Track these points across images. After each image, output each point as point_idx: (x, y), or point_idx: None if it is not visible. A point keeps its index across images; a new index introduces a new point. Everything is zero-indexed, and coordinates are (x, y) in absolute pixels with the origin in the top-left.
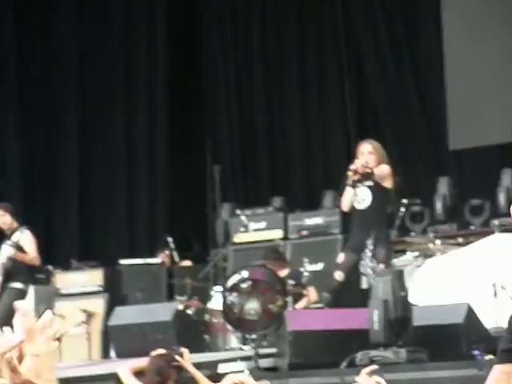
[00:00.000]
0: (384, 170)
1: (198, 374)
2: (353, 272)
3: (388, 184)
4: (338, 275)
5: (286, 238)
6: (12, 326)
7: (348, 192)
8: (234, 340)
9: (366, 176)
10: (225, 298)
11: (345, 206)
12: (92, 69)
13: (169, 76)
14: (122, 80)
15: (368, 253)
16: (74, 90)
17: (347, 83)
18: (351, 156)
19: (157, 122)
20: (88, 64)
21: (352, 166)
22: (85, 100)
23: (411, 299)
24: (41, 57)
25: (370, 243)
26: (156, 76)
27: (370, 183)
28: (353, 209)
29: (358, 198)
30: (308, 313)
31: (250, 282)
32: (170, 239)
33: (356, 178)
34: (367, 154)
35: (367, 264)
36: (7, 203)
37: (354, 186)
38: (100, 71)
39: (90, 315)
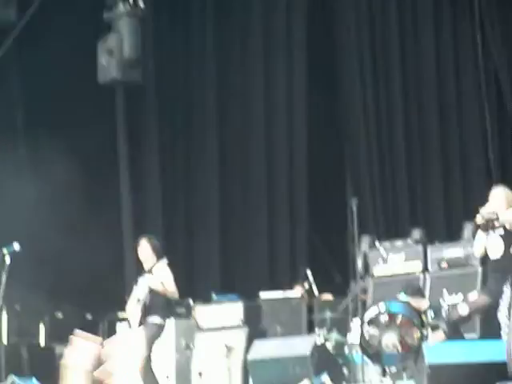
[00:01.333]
0: (510, 216)
1: None
2: (483, 313)
3: None
4: (463, 309)
5: (425, 270)
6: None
7: (479, 237)
8: (373, 373)
9: (495, 223)
10: (362, 330)
11: (477, 252)
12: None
13: (308, 103)
14: (260, 114)
15: (505, 298)
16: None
17: (487, 111)
18: (492, 185)
19: (297, 156)
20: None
21: (482, 211)
22: (225, 138)
23: None
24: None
25: (507, 288)
26: (296, 104)
27: (501, 231)
28: (486, 256)
29: (490, 247)
30: (446, 345)
31: (387, 315)
32: (308, 272)
33: (485, 223)
34: (494, 199)
35: (503, 310)
36: (152, 235)
37: (484, 229)
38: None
39: (230, 349)
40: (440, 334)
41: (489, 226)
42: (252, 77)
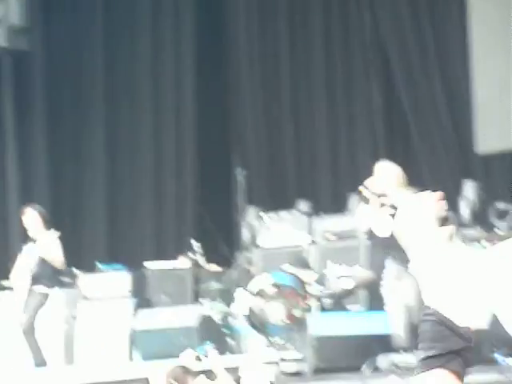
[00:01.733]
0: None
1: (225, 375)
2: (367, 287)
3: None
4: (347, 283)
5: (311, 241)
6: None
7: (362, 209)
8: (258, 344)
9: (379, 198)
10: (248, 301)
11: (360, 224)
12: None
13: (196, 76)
14: (149, 82)
15: (387, 273)
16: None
17: (375, 86)
18: (378, 158)
19: (184, 127)
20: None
21: (366, 183)
22: (113, 107)
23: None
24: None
25: (389, 263)
26: (183, 80)
27: (391, 211)
28: (371, 232)
29: (377, 224)
30: (331, 317)
31: (273, 286)
32: (195, 242)
33: (370, 197)
34: (380, 172)
35: (386, 285)
36: (38, 205)
37: (366, 202)
38: (126, 79)
39: (115, 319)
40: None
41: (368, 197)
42: (139, 38)
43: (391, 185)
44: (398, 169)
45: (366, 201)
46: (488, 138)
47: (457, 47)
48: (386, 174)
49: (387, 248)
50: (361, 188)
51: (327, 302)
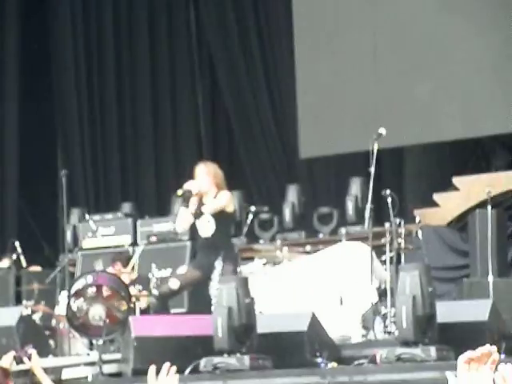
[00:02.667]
0: (219, 204)
1: (45, 377)
2: (192, 287)
3: (230, 208)
4: (174, 283)
5: (134, 243)
6: None
7: (180, 212)
8: (80, 346)
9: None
10: (69, 303)
11: (178, 227)
12: None
13: (19, 76)
14: None
15: (216, 273)
16: None
17: (200, 87)
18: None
19: (7, 122)
20: None
21: (184, 185)
22: None
23: (257, 307)
24: None
25: (218, 263)
26: (6, 76)
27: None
28: (195, 231)
29: (199, 226)
30: (153, 318)
31: (94, 288)
32: (17, 243)
33: (184, 198)
34: (197, 175)
35: (215, 285)
36: None
37: (184, 204)
38: None
39: None
40: (143, 302)
41: (187, 200)
42: None
43: (210, 185)
44: (216, 170)
45: (185, 203)
46: (312, 143)
47: (282, 51)
48: (205, 175)
49: (215, 248)
50: (179, 191)
51: (153, 303)
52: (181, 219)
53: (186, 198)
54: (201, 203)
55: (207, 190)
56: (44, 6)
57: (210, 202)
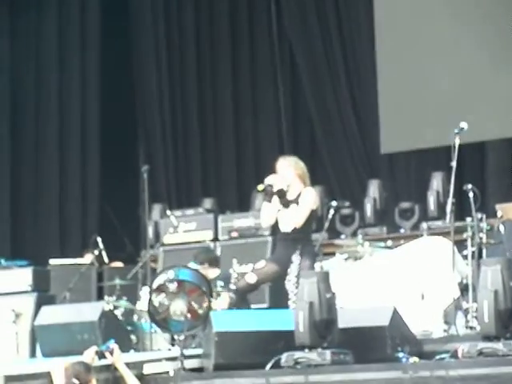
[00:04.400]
0: (306, 201)
1: (127, 371)
2: (271, 281)
3: (313, 205)
4: (251, 277)
5: (215, 239)
6: None
7: (264, 206)
8: (161, 341)
9: (287, 197)
10: (150, 298)
11: (263, 222)
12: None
13: (101, 75)
14: (55, 79)
15: (293, 268)
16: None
17: (281, 83)
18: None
19: (90, 121)
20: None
21: (267, 181)
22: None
23: (339, 301)
24: None
25: (296, 258)
26: (88, 75)
27: (295, 206)
28: (276, 226)
29: (281, 220)
30: (234, 313)
31: (176, 283)
32: (99, 239)
33: (266, 192)
34: (280, 169)
35: (292, 279)
36: None
37: (267, 199)
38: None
39: (18, 315)
40: (224, 301)
41: (269, 194)
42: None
43: (293, 180)
44: (300, 164)
45: (268, 198)
46: (393, 138)
47: (363, 46)
48: (287, 167)
49: (294, 242)
50: (260, 185)
51: (232, 297)
52: (265, 214)
53: (268, 192)
54: (285, 196)
55: (289, 182)
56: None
57: (299, 210)
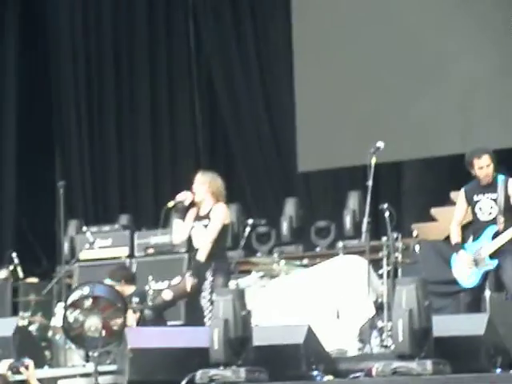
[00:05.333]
0: (216, 216)
1: None
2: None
3: (225, 221)
4: (167, 294)
5: (131, 255)
6: None
7: (175, 222)
8: (76, 357)
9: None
10: (65, 314)
11: (175, 238)
12: None
13: (16, 90)
14: None
15: (207, 285)
16: None
17: (198, 100)
18: None
19: (5, 134)
20: None
21: (178, 197)
22: None
23: (254, 319)
24: None
25: (209, 274)
26: (3, 91)
27: (206, 222)
28: (191, 242)
29: (195, 236)
30: (149, 330)
31: (91, 299)
32: (14, 254)
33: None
34: (195, 185)
35: (206, 296)
36: None
37: (178, 216)
38: None
39: None
40: (136, 316)
41: (180, 211)
42: None
43: (205, 196)
44: (216, 181)
45: (179, 214)
46: (309, 157)
47: (280, 65)
48: (200, 185)
49: (209, 260)
50: (171, 202)
51: (148, 314)
52: (176, 231)
53: (179, 209)
54: (198, 212)
55: (201, 199)
56: None
57: (210, 225)
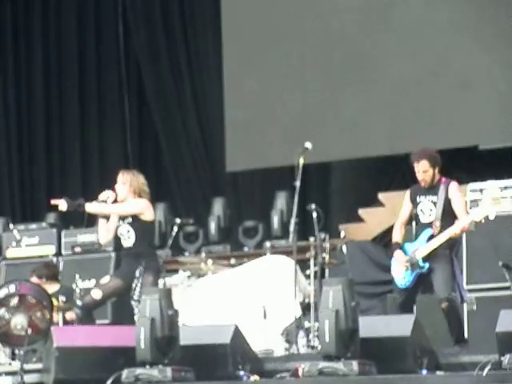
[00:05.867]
0: (136, 210)
1: None
2: (116, 296)
3: (148, 217)
4: (96, 293)
5: (58, 254)
6: None
7: (101, 224)
8: (1, 355)
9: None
10: None
11: (101, 239)
12: None
13: None
14: None
15: (137, 283)
16: None
17: (127, 99)
18: None
19: None
20: None
21: (101, 197)
22: None
23: (181, 319)
24: None
25: (138, 273)
26: None
27: (129, 219)
28: (118, 241)
29: (122, 235)
30: (75, 329)
31: (17, 297)
32: None
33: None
34: (117, 185)
35: (135, 295)
36: None
37: (105, 217)
38: None
39: None
40: (71, 315)
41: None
42: None
43: (127, 196)
44: (137, 179)
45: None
46: (238, 157)
47: (210, 67)
48: (120, 184)
49: (137, 257)
50: (63, 206)
51: (77, 313)
52: (101, 231)
53: (72, 209)
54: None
55: (122, 198)
56: None
57: (120, 204)
